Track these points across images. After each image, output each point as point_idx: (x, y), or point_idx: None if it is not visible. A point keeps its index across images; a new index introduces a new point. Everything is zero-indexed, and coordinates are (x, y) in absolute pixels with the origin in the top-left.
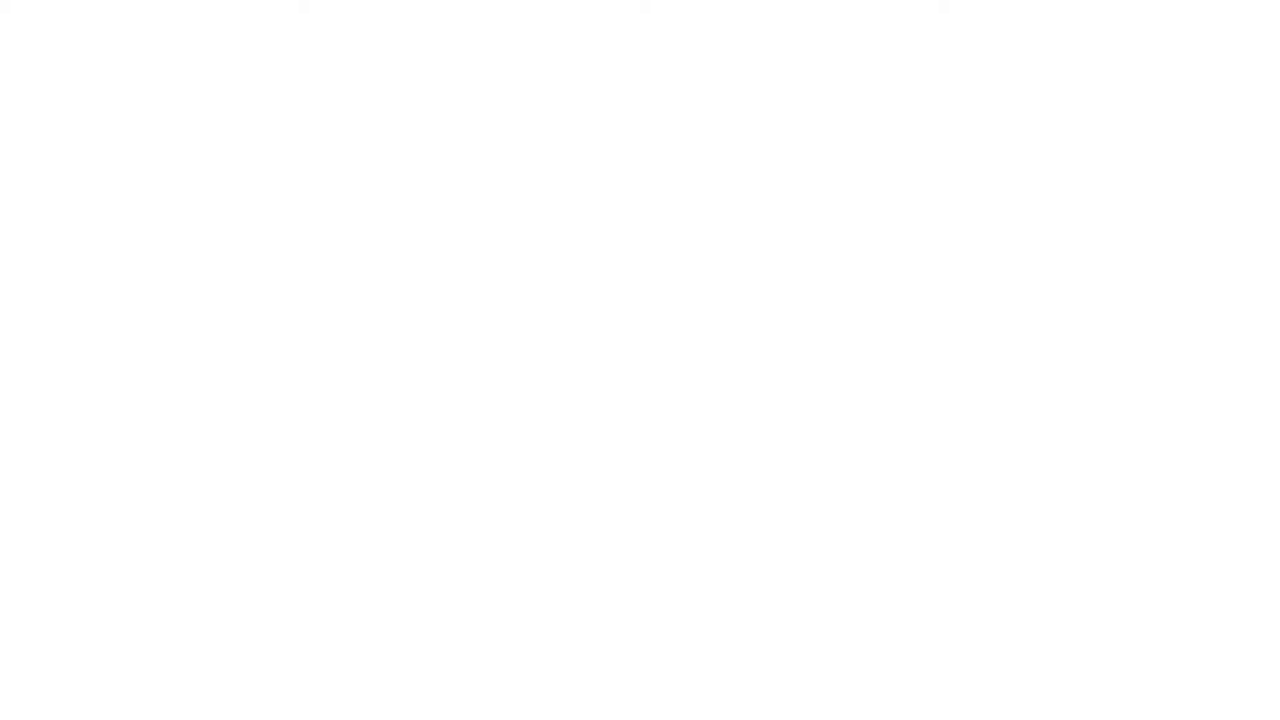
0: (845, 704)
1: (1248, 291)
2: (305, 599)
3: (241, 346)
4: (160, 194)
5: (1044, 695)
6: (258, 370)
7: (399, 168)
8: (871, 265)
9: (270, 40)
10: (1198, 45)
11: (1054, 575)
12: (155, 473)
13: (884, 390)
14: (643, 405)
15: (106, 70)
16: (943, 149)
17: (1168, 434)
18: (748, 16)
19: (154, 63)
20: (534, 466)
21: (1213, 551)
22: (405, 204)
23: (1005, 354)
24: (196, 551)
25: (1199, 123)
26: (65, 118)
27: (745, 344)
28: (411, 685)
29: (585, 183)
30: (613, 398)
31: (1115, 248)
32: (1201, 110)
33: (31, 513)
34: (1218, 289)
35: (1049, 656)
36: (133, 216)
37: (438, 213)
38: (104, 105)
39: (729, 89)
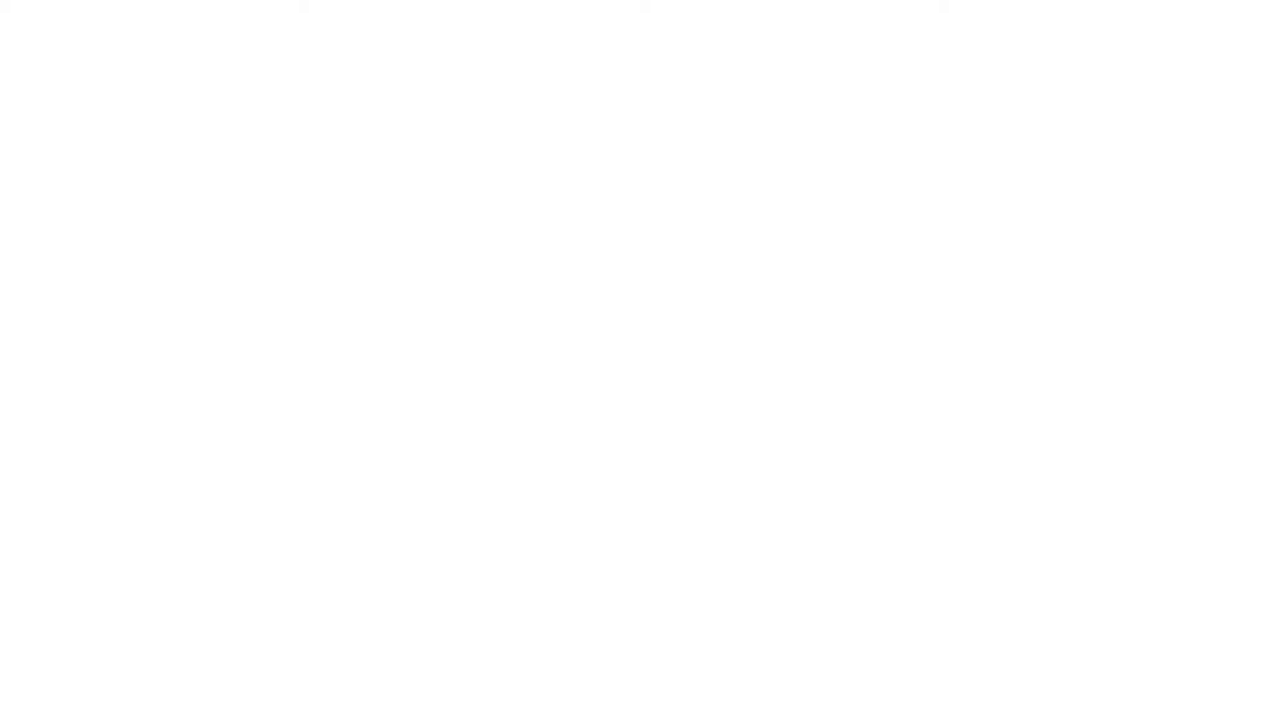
0: (845, 704)
1: (1248, 291)
2: (305, 599)
3: (242, 345)
4: (161, 193)
5: (1044, 695)
6: (257, 369)
7: (399, 167)
8: (872, 265)
9: (270, 40)
10: (1199, 44)
11: (1054, 575)
12: (155, 472)
13: (883, 390)
14: (642, 405)
15: (106, 70)
16: (943, 149)
17: (1168, 434)
18: (748, 16)
19: (154, 62)
20: (533, 466)
21: (1212, 552)
22: (405, 203)
23: (1005, 353)
24: (196, 551)
25: (1200, 122)
26: (65, 118)
27: (745, 343)
28: (411, 685)
29: (586, 182)
30: (612, 397)
31: (1116, 247)
32: (1202, 110)
33: (31, 513)
34: (1218, 289)
35: (1049, 657)
36: (133, 216)
37: (438, 212)
38: (104, 105)
39: (729, 88)
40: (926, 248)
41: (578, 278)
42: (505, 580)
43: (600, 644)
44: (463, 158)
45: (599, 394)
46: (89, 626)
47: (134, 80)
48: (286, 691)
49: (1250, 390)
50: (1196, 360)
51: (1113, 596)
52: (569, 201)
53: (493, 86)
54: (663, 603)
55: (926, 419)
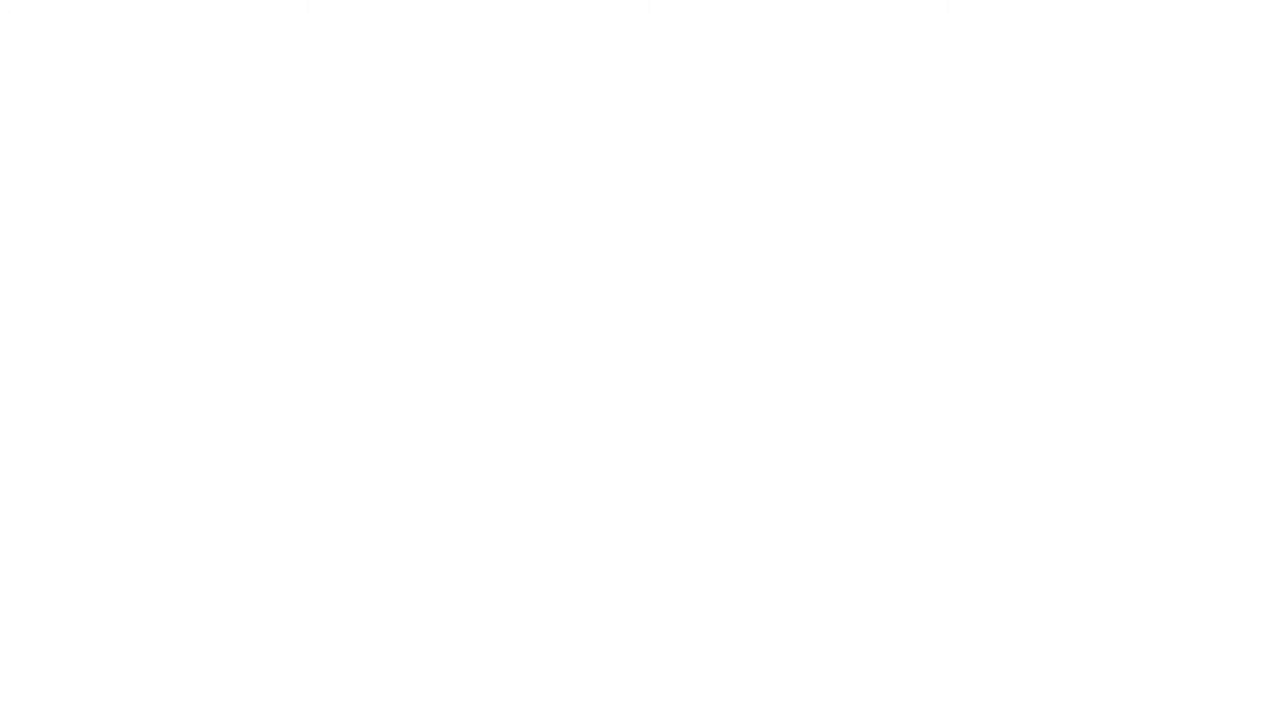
0: (844, 704)
1: (1248, 292)
2: (304, 600)
3: (241, 347)
4: (162, 193)
5: (1044, 696)
6: (257, 370)
7: (399, 166)
8: (874, 266)
9: (272, 40)
10: (1203, 46)
11: (1054, 576)
12: (154, 473)
13: (883, 391)
14: (640, 406)
15: (106, 70)
16: (946, 149)
17: (1168, 435)
18: (750, 16)
19: (154, 62)
20: (532, 466)
21: (1212, 552)
22: (406, 203)
23: (1005, 355)
24: (195, 552)
25: (1205, 124)
26: (64, 117)
27: (745, 345)
28: (411, 685)
29: (587, 183)
30: (611, 398)
31: (1121, 249)
32: (1207, 112)
33: (31, 513)
34: (1219, 290)
35: (1049, 657)
36: (134, 216)
37: (439, 212)
38: (104, 104)
39: (731, 88)
40: (931, 247)
41: (578, 278)
42: (503, 579)
43: (598, 643)
44: (465, 156)
45: (597, 394)
46: (88, 626)
47: (134, 79)
48: (286, 692)
49: (1250, 391)
50: (1197, 360)
51: (1112, 597)
52: (571, 201)
53: (493, 86)
54: (659, 605)
55: (926, 419)
